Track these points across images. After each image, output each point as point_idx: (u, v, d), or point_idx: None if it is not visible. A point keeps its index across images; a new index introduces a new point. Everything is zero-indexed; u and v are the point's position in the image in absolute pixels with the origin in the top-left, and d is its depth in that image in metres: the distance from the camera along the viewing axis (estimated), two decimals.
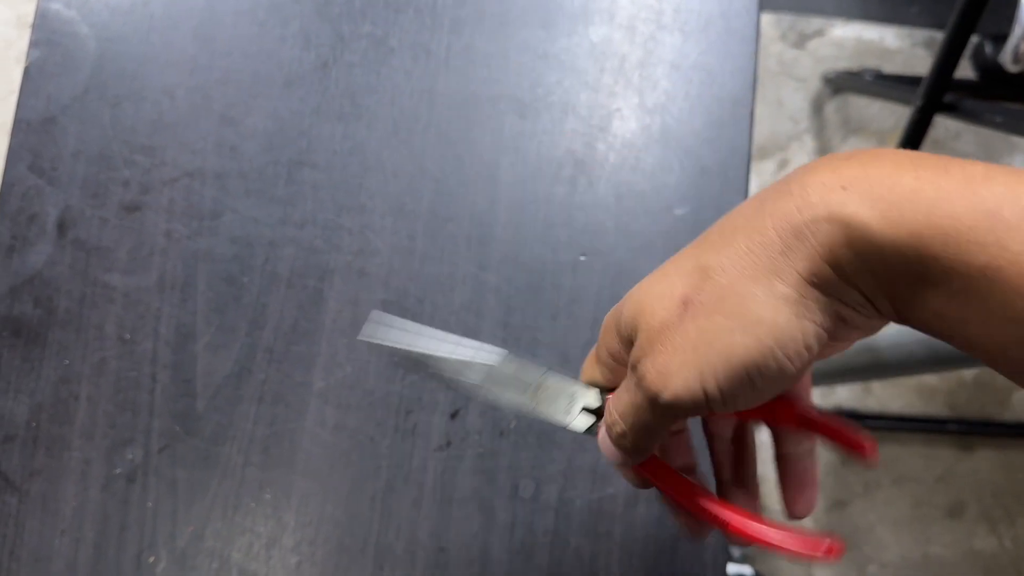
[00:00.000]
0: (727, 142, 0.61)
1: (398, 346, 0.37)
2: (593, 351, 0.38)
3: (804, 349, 0.29)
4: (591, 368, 0.38)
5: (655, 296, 0.32)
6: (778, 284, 0.28)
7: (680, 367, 0.30)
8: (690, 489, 0.35)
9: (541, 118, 0.60)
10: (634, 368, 0.32)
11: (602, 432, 0.36)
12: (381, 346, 0.36)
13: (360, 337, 0.36)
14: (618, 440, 0.34)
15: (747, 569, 1.18)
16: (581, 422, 0.37)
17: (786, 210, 0.28)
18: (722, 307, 0.29)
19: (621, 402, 0.34)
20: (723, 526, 0.34)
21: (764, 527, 0.33)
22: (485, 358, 0.37)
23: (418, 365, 0.37)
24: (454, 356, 0.36)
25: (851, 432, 0.35)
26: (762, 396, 0.30)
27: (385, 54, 0.60)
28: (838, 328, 0.30)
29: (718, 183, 0.60)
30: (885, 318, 0.30)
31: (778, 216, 0.29)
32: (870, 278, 0.28)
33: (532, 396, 0.36)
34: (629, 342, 0.34)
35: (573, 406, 0.36)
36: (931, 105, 1.08)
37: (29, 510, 0.55)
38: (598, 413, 0.37)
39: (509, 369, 0.37)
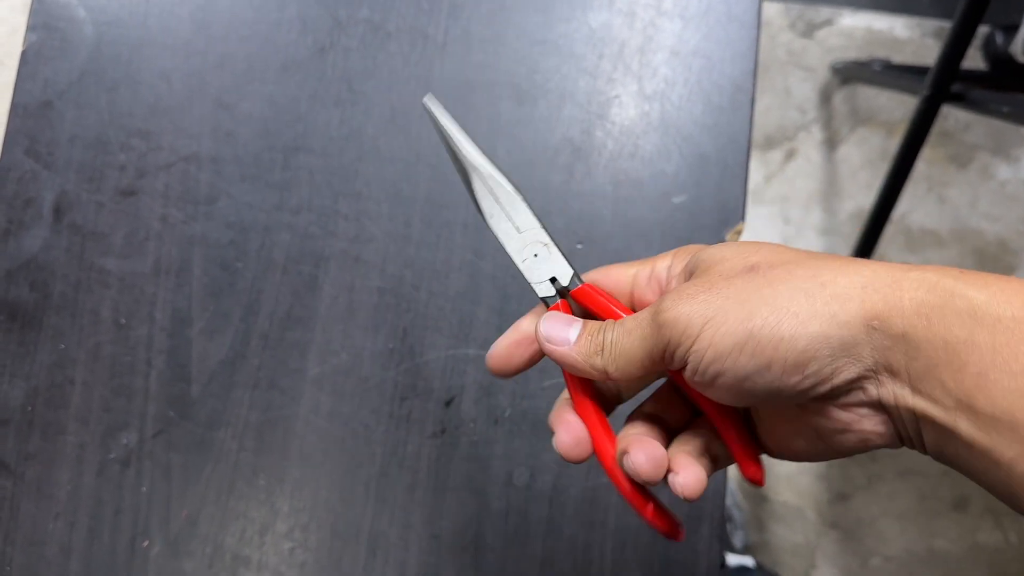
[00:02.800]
0: (727, 130, 0.60)
1: (452, 132, 0.37)
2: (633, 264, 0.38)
3: (809, 373, 0.29)
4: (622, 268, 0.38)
5: (733, 250, 0.33)
6: (831, 304, 0.28)
7: (704, 312, 0.30)
8: (599, 426, 0.36)
9: (538, 104, 0.60)
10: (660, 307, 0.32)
11: (581, 344, 0.35)
12: (434, 118, 0.37)
13: (424, 100, 0.37)
14: (594, 360, 0.34)
15: (748, 560, 1.17)
16: (546, 288, 0.37)
17: (892, 270, 0.29)
18: (778, 288, 0.29)
19: (626, 324, 0.33)
20: (607, 468, 0.36)
21: (636, 489, 0.35)
22: (506, 183, 0.37)
23: (456, 158, 0.37)
24: (487, 171, 0.37)
25: (751, 456, 0.35)
26: (754, 387, 0.30)
27: (382, 39, 0.60)
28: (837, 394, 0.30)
29: (717, 171, 0.59)
30: (880, 410, 0.30)
31: (884, 265, 0.29)
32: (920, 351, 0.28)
33: (523, 241, 0.37)
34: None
35: (546, 270, 0.37)
36: (938, 94, 1.07)
37: (24, 494, 0.55)
38: (560, 292, 0.37)
39: (519, 203, 0.37)
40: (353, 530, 0.55)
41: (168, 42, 0.59)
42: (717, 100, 0.60)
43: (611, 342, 0.34)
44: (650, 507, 0.35)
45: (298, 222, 0.58)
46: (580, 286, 0.37)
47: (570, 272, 0.37)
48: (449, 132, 0.36)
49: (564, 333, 0.35)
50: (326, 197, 0.58)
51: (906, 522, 1.35)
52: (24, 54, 0.59)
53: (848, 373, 0.28)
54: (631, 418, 0.37)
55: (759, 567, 1.20)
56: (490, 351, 0.37)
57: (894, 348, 0.28)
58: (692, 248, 0.36)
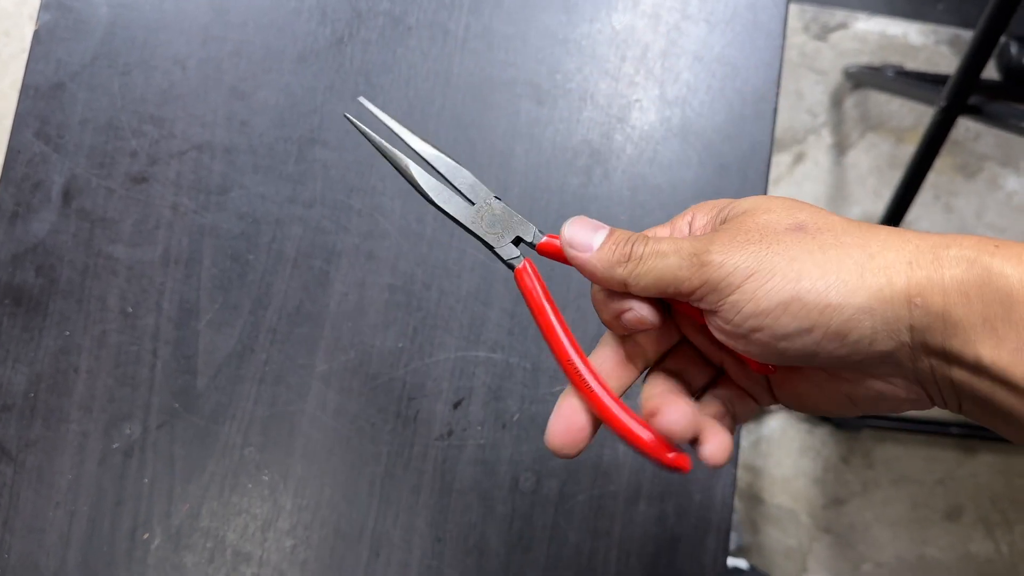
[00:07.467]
0: (748, 138, 0.59)
1: (372, 135, 0.39)
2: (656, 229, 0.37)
3: (849, 340, 0.29)
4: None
5: (777, 203, 0.32)
6: (879, 277, 0.29)
7: (750, 265, 0.30)
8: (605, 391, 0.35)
9: (558, 105, 0.59)
10: (710, 238, 0.32)
11: (604, 251, 0.34)
12: (358, 128, 0.39)
13: (345, 114, 0.40)
14: (615, 271, 0.33)
15: (742, 563, 1.18)
16: (509, 251, 0.37)
17: (933, 239, 0.29)
18: (824, 252, 0.30)
19: (661, 246, 0.33)
20: (589, 401, 0.34)
21: (627, 416, 0.33)
22: (449, 167, 0.38)
23: (387, 155, 0.39)
24: (419, 155, 0.38)
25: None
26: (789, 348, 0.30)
27: (402, 33, 0.59)
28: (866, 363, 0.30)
29: (737, 180, 0.59)
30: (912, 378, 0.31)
31: (924, 238, 0.29)
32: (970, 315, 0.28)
33: (477, 212, 0.37)
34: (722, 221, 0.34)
35: (508, 233, 0.37)
36: (955, 106, 1.06)
37: (24, 481, 0.54)
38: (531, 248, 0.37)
39: (465, 180, 0.38)
40: (356, 530, 0.55)
41: (184, 27, 0.58)
42: (739, 108, 0.59)
43: (640, 257, 0.33)
44: (670, 453, 0.33)
45: (311, 216, 0.57)
46: (544, 239, 0.36)
47: (532, 228, 0.37)
48: (386, 124, 0.38)
49: (588, 238, 0.34)
50: (339, 191, 0.57)
51: (898, 529, 1.35)
52: (37, 34, 0.58)
53: (884, 346, 0.29)
54: (652, 374, 0.36)
55: (752, 569, 1.20)
56: (547, 436, 0.35)
57: (933, 325, 0.28)
58: (715, 203, 0.35)
